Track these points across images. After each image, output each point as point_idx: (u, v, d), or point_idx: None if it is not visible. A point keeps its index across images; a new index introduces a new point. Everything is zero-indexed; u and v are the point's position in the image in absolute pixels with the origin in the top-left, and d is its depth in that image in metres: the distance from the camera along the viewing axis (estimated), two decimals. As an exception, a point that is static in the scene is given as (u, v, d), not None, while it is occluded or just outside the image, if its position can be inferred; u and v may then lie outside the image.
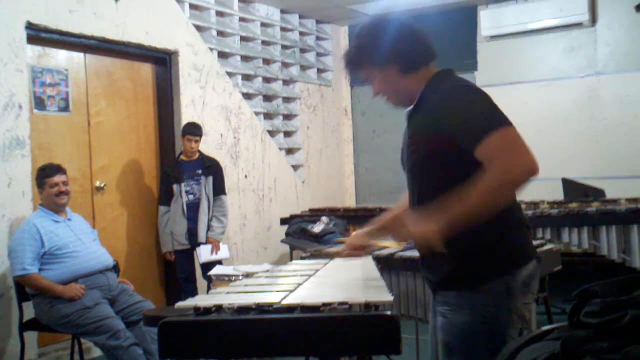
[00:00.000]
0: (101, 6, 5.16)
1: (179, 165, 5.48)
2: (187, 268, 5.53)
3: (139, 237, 5.71)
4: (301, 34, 7.63)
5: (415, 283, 3.32)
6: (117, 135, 5.58)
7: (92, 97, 5.36)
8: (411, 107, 2.24)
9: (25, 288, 4.12)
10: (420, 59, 2.22)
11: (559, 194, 6.06)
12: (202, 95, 6.11)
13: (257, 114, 6.84)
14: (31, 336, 4.43)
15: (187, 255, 5.50)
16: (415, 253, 2.92)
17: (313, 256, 3.60)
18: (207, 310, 1.91)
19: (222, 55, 6.53)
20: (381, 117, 7.98)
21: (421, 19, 7.49)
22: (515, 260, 2.12)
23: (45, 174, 4.22)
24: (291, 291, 2.11)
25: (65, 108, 5.13)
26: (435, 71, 2.24)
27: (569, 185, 6.16)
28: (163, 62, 5.90)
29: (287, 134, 7.42)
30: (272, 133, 7.09)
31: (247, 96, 6.77)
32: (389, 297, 1.96)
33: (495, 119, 1.99)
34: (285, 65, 7.38)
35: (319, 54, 7.92)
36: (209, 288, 4.68)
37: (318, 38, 7.89)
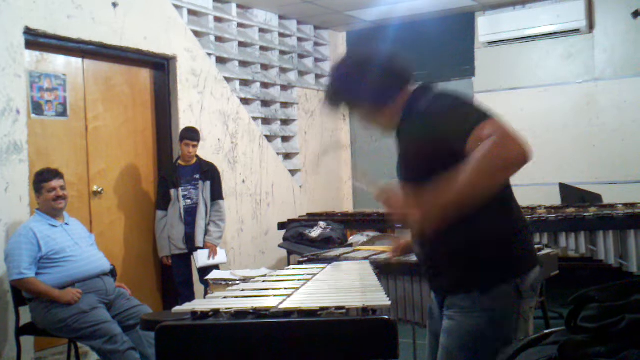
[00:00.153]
0: (99, 12, 5.16)
1: (177, 170, 5.48)
2: (185, 272, 5.52)
3: (136, 242, 5.70)
4: (299, 39, 7.65)
5: (412, 287, 3.32)
6: (115, 140, 5.58)
7: (90, 102, 5.36)
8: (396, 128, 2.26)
9: (22, 292, 4.11)
10: (392, 91, 2.21)
11: (556, 199, 6.08)
12: (200, 100, 6.11)
13: (255, 119, 6.85)
14: (28, 341, 4.42)
15: (185, 259, 5.50)
16: (412, 257, 2.92)
17: (310, 261, 3.60)
18: (204, 315, 1.91)
19: (220, 60, 6.54)
20: (379, 122, 7.97)
21: (419, 24, 7.54)
22: (525, 263, 2.13)
23: (42, 179, 4.22)
24: (288, 296, 2.11)
25: (63, 113, 5.13)
26: (413, 89, 2.23)
27: (566, 190, 6.18)
28: (161, 67, 5.90)
29: (285, 139, 7.43)
30: (270, 138, 7.09)
31: (245, 101, 6.78)
32: (386, 302, 1.96)
33: (483, 113, 1.98)
34: (283, 70, 7.39)
35: (317, 60, 7.93)
36: (206, 293, 4.67)
37: (316, 44, 7.91)
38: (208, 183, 5.47)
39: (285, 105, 7.41)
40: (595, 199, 5.91)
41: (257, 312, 1.89)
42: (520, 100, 7.16)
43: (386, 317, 1.81)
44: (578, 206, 5.31)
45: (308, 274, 2.63)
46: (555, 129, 6.98)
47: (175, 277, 5.53)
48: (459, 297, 2.13)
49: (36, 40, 4.80)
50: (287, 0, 6.71)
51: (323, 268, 2.79)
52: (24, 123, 4.62)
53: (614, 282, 1.46)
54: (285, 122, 7.43)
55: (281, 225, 6.43)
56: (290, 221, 6.38)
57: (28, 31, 4.67)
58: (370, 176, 8.04)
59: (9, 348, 4.35)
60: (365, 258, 3.38)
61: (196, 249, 5.40)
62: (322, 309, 1.87)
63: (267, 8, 7.02)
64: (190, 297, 5.32)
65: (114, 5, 5.28)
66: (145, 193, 5.83)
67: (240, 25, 6.81)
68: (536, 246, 3.91)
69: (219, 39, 6.57)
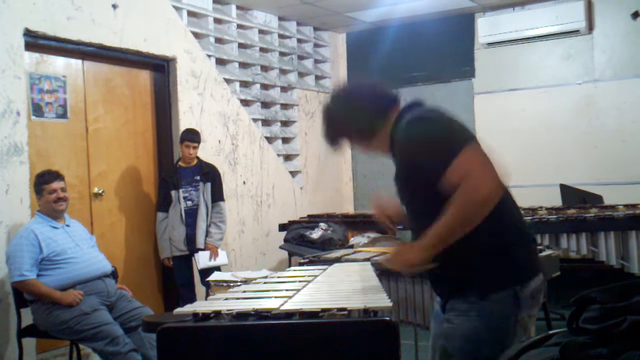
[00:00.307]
0: (99, 13, 5.16)
1: (178, 172, 5.48)
2: (186, 274, 5.52)
3: (137, 243, 5.70)
4: (299, 41, 7.65)
5: (414, 289, 3.32)
6: (115, 141, 5.58)
7: (90, 103, 5.37)
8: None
9: (23, 294, 4.11)
10: (379, 121, 2.32)
11: (557, 200, 6.07)
12: (200, 102, 6.11)
13: (255, 120, 6.85)
14: (29, 342, 4.42)
15: (186, 261, 5.50)
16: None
17: (312, 262, 3.61)
18: (206, 316, 1.91)
19: (220, 62, 6.54)
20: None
21: (418, 26, 7.54)
22: (524, 272, 2.17)
23: (43, 181, 4.22)
24: (290, 297, 2.11)
25: (63, 115, 5.13)
26: (399, 110, 2.32)
27: (567, 191, 6.18)
28: (161, 69, 5.90)
29: (285, 140, 7.43)
30: (270, 139, 7.09)
31: (245, 103, 6.78)
32: (387, 303, 1.96)
33: (455, 143, 2.07)
34: (283, 72, 7.39)
35: (316, 61, 7.93)
36: (207, 294, 4.68)
37: (316, 45, 7.91)
38: (209, 184, 5.47)
39: (285, 106, 7.41)
40: (596, 200, 5.91)
41: (259, 314, 1.89)
42: (520, 101, 7.16)
43: (388, 318, 1.81)
44: (579, 207, 5.31)
45: (309, 276, 2.63)
46: (555, 130, 6.98)
47: (177, 278, 5.53)
48: (459, 301, 2.18)
49: (36, 41, 4.80)
50: (286, 1, 6.71)
51: (324, 269, 2.80)
52: (24, 125, 4.62)
53: (616, 283, 1.46)
54: (286, 123, 7.43)
55: (282, 227, 6.43)
56: (291, 222, 6.38)
57: (28, 33, 4.67)
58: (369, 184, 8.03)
59: (10, 350, 4.35)
60: (367, 259, 3.38)
61: (197, 250, 5.40)
62: (324, 310, 1.87)
63: (267, 9, 7.03)
64: (192, 298, 5.32)
65: (114, 6, 5.28)
66: (145, 195, 5.83)
67: (240, 26, 6.82)
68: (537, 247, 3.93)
69: (218, 41, 6.57)
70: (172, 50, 5.82)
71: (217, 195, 5.53)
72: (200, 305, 2.03)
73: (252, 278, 3.06)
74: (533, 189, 6.72)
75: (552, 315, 4.58)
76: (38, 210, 4.28)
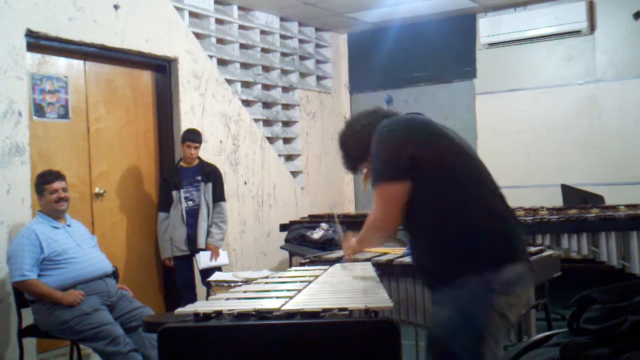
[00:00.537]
0: (101, 14, 5.17)
1: (179, 172, 5.48)
2: (187, 274, 5.52)
3: (138, 244, 5.71)
4: (300, 41, 7.65)
5: (414, 289, 3.32)
6: (117, 142, 5.58)
7: (91, 104, 5.37)
8: None
9: (24, 294, 4.11)
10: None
11: (558, 201, 6.07)
12: (202, 102, 6.12)
13: (256, 120, 6.85)
14: (30, 342, 4.42)
15: (187, 261, 5.50)
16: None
17: (312, 262, 3.60)
18: (206, 317, 1.91)
19: (222, 62, 6.54)
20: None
21: (420, 26, 7.54)
22: (492, 259, 2.22)
23: (44, 181, 4.22)
24: (291, 297, 2.11)
25: (64, 115, 5.14)
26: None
27: (568, 191, 6.17)
28: (163, 69, 5.91)
29: (287, 140, 7.43)
30: (271, 140, 7.10)
31: (247, 103, 6.78)
32: (388, 303, 1.97)
33: (382, 174, 2.37)
34: (284, 72, 7.39)
35: (318, 62, 7.93)
36: (208, 294, 4.68)
37: (317, 45, 7.91)
38: (210, 185, 5.47)
39: (286, 107, 7.41)
40: (597, 200, 5.90)
41: (260, 314, 1.89)
42: (521, 101, 7.16)
43: (389, 318, 1.81)
44: (580, 207, 5.30)
45: (310, 276, 2.63)
46: (556, 130, 6.98)
47: (178, 278, 5.53)
48: (435, 292, 2.32)
49: (38, 42, 4.80)
50: (288, 2, 6.71)
51: (325, 270, 2.80)
52: (25, 125, 4.62)
53: (617, 283, 1.46)
54: (287, 123, 7.44)
55: (283, 227, 6.43)
56: (292, 223, 6.38)
57: (30, 33, 4.68)
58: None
59: (11, 350, 4.35)
60: (368, 259, 3.38)
61: (198, 250, 5.40)
62: (325, 310, 1.87)
63: (268, 10, 7.03)
64: (193, 298, 5.32)
65: (116, 7, 5.29)
66: (147, 195, 5.83)
67: (241, 27, 6.82)
68: (538, 247, 3.93)
69: (220, 41, 6.57)
70: (173, 51, 5.82)
71: (218, 195, 5.53)
72: (201, 306, 2.03)
73: (253, 278, 3.06)
74: (534, 189, 6.72)
75: (552, 316, 4.57)
76: (39, 210, 4.28)
